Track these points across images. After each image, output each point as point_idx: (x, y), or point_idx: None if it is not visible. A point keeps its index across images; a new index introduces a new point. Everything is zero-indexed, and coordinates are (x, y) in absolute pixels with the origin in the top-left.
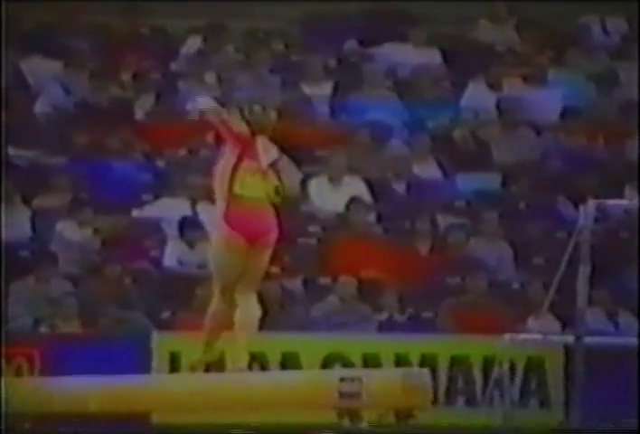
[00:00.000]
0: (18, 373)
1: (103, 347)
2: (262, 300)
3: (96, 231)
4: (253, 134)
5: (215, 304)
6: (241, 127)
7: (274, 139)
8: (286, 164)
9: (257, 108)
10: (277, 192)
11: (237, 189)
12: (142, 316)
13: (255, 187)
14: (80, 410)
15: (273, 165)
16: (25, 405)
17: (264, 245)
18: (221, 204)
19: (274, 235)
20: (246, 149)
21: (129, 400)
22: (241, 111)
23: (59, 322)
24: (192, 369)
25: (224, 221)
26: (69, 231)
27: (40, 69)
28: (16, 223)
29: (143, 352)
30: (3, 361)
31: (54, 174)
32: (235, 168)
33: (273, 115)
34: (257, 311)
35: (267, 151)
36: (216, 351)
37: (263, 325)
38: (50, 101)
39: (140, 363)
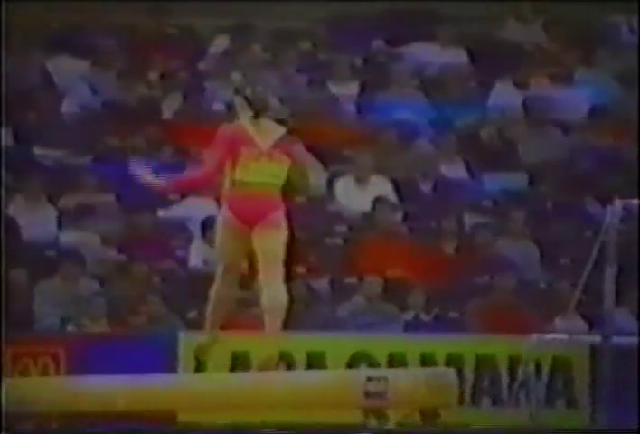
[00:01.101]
0: (44, 373)
1: (129, 346)
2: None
3: (122, 230)
4: (256, 116)
5: (217, 286)
6: (226, 128)
7: (277, 120)
8: (296, 142)
9: (258, 89)
10: (291, 170)
11: (239, 176)
12: (168, 316)
13: (260, 172)
14: (106, 410)
15: (279, 144)
16: (52, 404)
17: (267, 226)
18: (226, 192)
19: (277, 214)
20: (237, 142)
21: (155, 399)
22: (241, 93)
23: (85, 321)
24: (198, 354)
25: (227, 206)
26: (95, 230)
27: (67, 68)
28: (42, 223)
29: (169, 351)
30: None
31: (81, 174)
32: (234, 160)
33: (274, 95)
34: (282, 298)
35: (267, 133)
36: (216, 334)
37: (290, 314)
38: (77, 101)
39: (166, 363)
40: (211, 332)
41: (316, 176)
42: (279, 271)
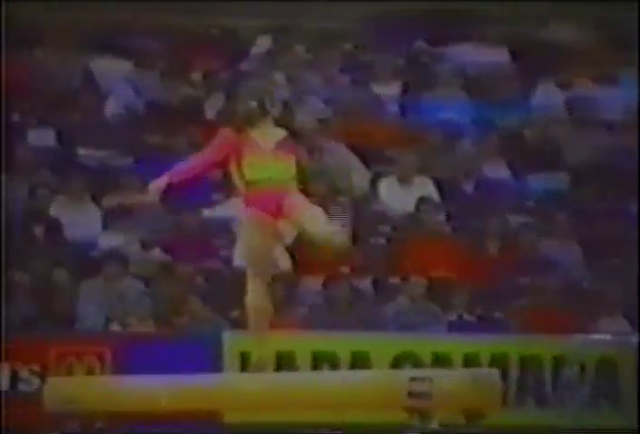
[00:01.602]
0: (90, 372)
1: (174, 346)
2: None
3: (166, 230)
4: (258, 120)
5: (253, 295)
6: (224, 131)
7: (279, 123)
8: (295, 143)
9: (263, 95)
10: (299, 169)
11: (249, 176)
12: (212, 316)
13: (267, 169)
14: (151, 410)
15: (281, 145)
16: (96, 404)
17: (289, 210)
18: (241, 195)
19: (290, 202)
20: (240, 143)
21: (201, 399)
22: (245, 100)
23: (130, 321)
24: (259, 368)
25: (249, 205)
26: (138, 230)
27: (110, 69)
28: (86, 223)
29: (213, 351)
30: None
31: (124, 174)
32: (238, 162)
33: (278, 103)
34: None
35: (268, 136)
36: (269, 347)
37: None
38: (120, 101)
39: (210, 362)
40: (262, 347)
41: (358, 176)
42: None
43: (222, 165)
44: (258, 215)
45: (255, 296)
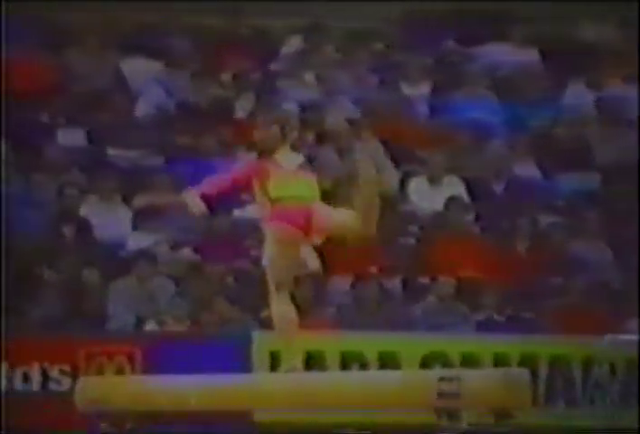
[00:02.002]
0: (119, 372)
1: (204, 346)
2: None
3: (197, 230)
4: (280, 142)
5: (277, 306)
6: (247, 163)
7: (296, 148)
8: (315, 167)
9: (287, 120)
10: (322, 189)
11: (274, 193)
12: (242, 315)
13: (292, 186)
14: (181, 409)
15: (302, 167)
16: (127, 404)
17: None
18: (265, 210)
19: (318, 214)
20: (263, 168)
21: (230, 398)
22: (268, 123)
23: (161, 321)
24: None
25: (276, 219)
26: (169, 230)
27: (141, 69)
28: (116, 223)
29: (243, 351)
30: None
31: (155, 175)
32: (263, 181)
33: (296, 126)
34: (292, 311)
35: (289, 159)
36: (298, 353)
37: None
38: (150, 102)
39: (240, 362)
40: (291, 354)
41: (387, 176)
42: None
43: (245, 188)
44: (283, 227)
45: (279, 305)
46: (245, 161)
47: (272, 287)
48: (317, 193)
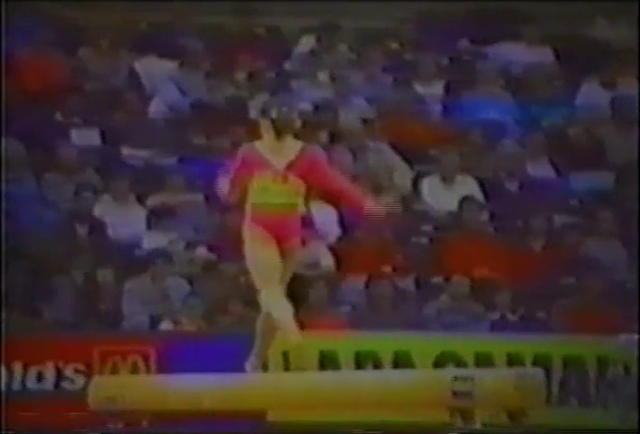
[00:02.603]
0: (134, 371)
1: (218, 345)
2: (291, 296)
3: (211, 229)
4: (278, 135)
5: (273, 303)
6: (247, 149)
7: (298, 138)
8: (315, 158)
9: (284, 109)
10: (306, 193)
11: (255, 198)
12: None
13: (276, 193)
14: (194, 408)
15: (294, 164)
16: (141, 403)
17: (288, 250)
18: (247, 213)
19: (296, 241)
20: (251, 163)
21: (244, 398)
22: (266, 113)
23: (175, 320)
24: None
25: (253, 223)
26: (183, 230)
27: (155, 69)
28: (131, 222)
29: None
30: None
31: (169, 174)
32: (248, 183)
33: (297, 116)
34: (288, 308)
35: (283, 153)
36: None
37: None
38: (164, 101)
39: None
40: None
41: (401, 176)
42: (284, 287)
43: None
44: (257, 231)
45: (274, 302)
46: (239, 152)
47: (259, 288)
48: (299, 200)
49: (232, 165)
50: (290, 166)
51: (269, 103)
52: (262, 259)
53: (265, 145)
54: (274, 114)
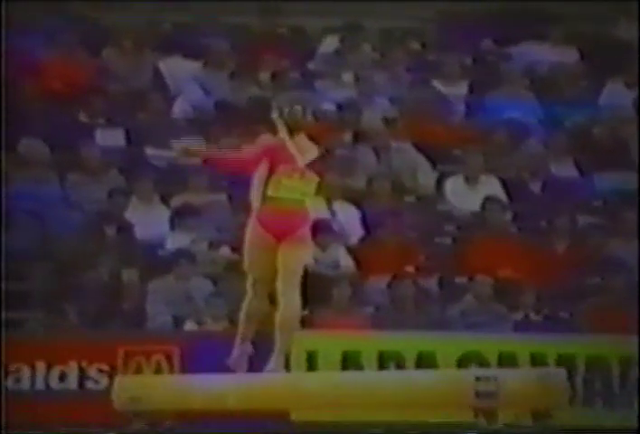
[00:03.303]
0: (158, 371)
1: None
2: (305, 298)
3: (234, 229)
4: (291, 133)
5: (248, 299)
6: (266, 138)
7: (312, 138)
8: (328, 161)
9: (297, 108)
10: (318, 188)
11: (270, 192)
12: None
13: (291, 189)
14: (218, 408)
15: (313, 163)
16: (165, 403)
17: (295, 241)
18: (255, 206)
19: (304, 231)
20: (277, 156)
21: (267, 397)
22: (281, 112)
23: (199, 320)
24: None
25: (257, 220)
26: (207, 230)
27: (179, 69)
28: (155, 223)
29: None
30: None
31: (192, 174)
32: (270, 174)
33: (311, 115)
34: (297, 310)
35: (304, 150)
36: (248, 348)
37: (400, 314)
38: (189, 101)
39: None
40: (241, 345)
41: (424, 176)
42: (297, 286)
43: (252, 169)
44: (263, 234)
45: (252, 301)
46: (262, 140)
47: (249, 283)
48: (312, 195)
49: (257, 148)
50: (310, 165)
51: (281, 102)
52: (256, 263)
53: (288, 141)
54: (285, 113)
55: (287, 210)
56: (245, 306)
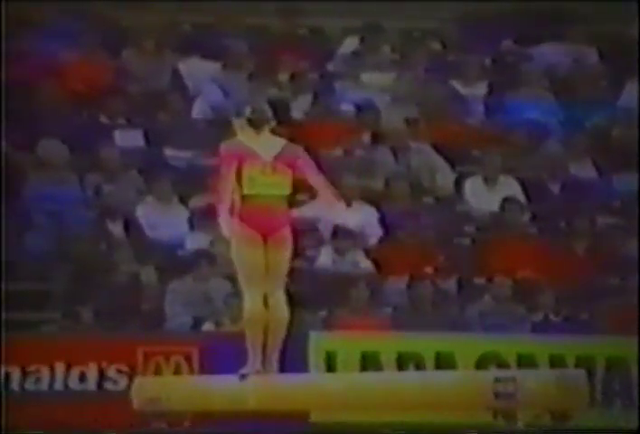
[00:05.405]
0: (177, 372)
1: None
2: (290, 300)
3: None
4: (257, 131)
5: (250, 306)
6: (230, 143)
7: (275, 132)
8: (301, 153)
9: (256, 107)
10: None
11: (247, 190)
12: (298, 316)
13: (266, 184)
14: (237, 409)
15: (282, 156)
16: (184, 403)
17: (279, 240)
18: (236, 206)
19: (286, 230)
20: (240, 156)
21: (287, 398)
22: (240, 114)
23: (218, 321)
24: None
25: (239, 219)
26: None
27: (198, 70)
28: (174, 223)
29: (300, 351)
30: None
31: (211, 175)
32: (238, 173)
33: (270, 111)
34: (285, 310)
35: (269, 146)
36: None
37: (418, 314)
38: (208, 102)
39: (297, 362)
40: (254, 363)
41: (443, 177)
42: (282, 285)
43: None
44: (247, 233)
45: (249, 306)
46: (223, 151)
47: (244, 286)
48: (289, 190)
49: (224, 167)
50: (278, 158)
51: (241, 104)
52: (247, 262)
53: (247, 139)
54: (248, 112)
55: (266, 207)
56: (248, 315)
